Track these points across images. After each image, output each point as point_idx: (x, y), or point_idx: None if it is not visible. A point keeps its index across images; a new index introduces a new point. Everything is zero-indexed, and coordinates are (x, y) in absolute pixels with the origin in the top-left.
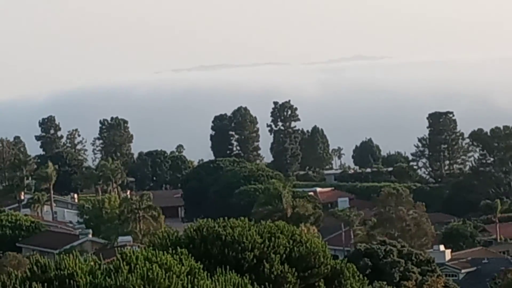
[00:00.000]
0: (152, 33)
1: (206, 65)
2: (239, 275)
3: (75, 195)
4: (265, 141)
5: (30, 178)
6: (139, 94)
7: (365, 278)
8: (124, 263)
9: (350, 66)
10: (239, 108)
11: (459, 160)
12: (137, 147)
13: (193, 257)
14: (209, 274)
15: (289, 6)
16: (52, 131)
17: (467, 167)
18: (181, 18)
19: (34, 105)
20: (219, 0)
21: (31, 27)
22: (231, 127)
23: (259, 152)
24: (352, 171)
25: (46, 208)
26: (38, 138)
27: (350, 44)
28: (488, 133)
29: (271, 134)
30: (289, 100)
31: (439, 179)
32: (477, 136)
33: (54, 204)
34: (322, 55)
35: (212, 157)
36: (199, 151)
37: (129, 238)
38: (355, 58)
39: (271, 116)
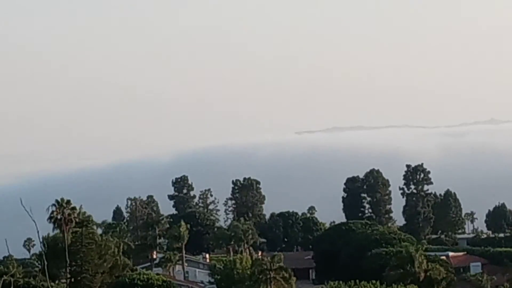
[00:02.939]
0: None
1: (337, 127)
2: None
3: (207, 255)
4: (397, 204)
5: (162, 237)
6: (263, 155)
7: None
8: None
9: (477, 130)
10: (372, 171)
11: None
12: (268, 208)
13: None
14: None
15: (422, 72)
16: (185, 191)
17: None
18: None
19: (161, 164)
20: (354, 65)
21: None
22: (363, 190)
23: (391, 215)
24: (485, 235)
25: (178, 267)
26: (171, 197)
27: (483, 109)
28: None
29: (403, 197)
30: (422, 164)
31: None
32: None
33: (185, 264)
34: (451, 119)
35: (344, 219)
36: (330, 213)
37: None
38: (488, 122)
39: (404, 179)
